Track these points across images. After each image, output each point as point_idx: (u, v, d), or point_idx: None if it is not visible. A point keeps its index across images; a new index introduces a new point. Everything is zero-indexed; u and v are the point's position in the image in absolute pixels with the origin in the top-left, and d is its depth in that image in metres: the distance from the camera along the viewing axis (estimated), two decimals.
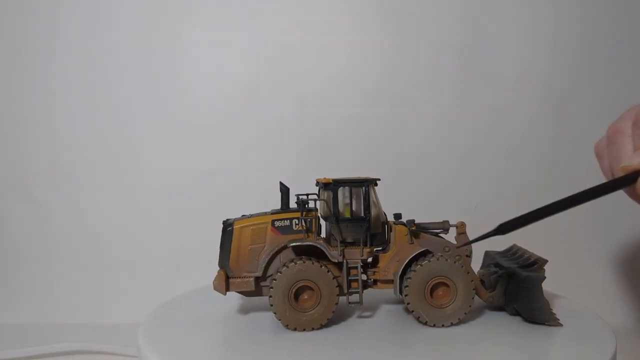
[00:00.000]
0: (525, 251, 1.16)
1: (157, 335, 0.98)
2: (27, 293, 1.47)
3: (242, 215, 1.14)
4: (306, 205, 1.08)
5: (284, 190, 1.11)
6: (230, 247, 1.03)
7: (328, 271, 1.01)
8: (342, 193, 1.07)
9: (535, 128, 1.48)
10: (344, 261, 1.03)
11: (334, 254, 1.02)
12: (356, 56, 1.41)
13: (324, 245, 1.02)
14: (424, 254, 1.04)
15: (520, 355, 0.88)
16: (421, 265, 1.01)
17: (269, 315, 1.10)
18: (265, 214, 1.08)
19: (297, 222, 1.05)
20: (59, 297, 1.46)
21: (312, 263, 1.00)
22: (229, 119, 1.47)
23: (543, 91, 1.46)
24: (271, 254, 1.04)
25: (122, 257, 1.47)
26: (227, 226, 1.05)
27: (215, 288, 1.02)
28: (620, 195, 0.70)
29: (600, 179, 0.73)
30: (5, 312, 1.45)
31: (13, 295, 1.47)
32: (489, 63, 1.44)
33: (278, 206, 1.15)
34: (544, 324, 1.01)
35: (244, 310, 1.14)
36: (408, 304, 1.01)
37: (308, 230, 1.05)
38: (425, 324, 1.02)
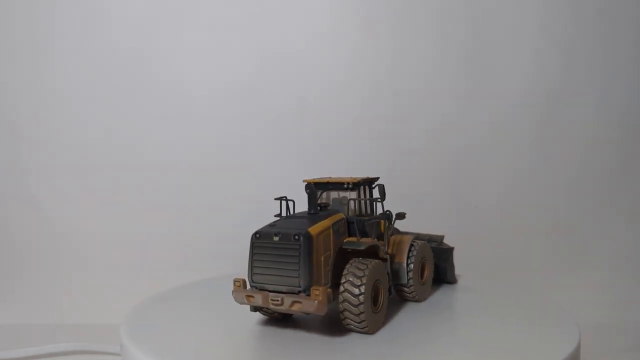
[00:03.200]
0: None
1: (140, 331, 0.96)
2: (26, 293, 1.47)
3: (270, 225, 0.96)
4: (327, 207, 1.05)
5: (312, 193, 1.01)
6: (313, 259, 0.88)
7: (385, 268, 1.02)
8: (364, 192, 1.09)
9: (537, 129, 1.49)
10: (389, 256, 1.06)
11: (383, 250, 1.04)
12: (357, 56, 1.31)
13: (378, 243, 1.03)
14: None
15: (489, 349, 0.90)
16: (417, 250, 1.18)
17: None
18: (314, 218, 0.96)
19: (341, 224, 1.00)
20: (58, 297, 1.46)
21: (379, 262, 0.99)
22: (230, 119, 1.39)
23: (546, 93, 1.47)
24: (333, 260, 0.95)
25: (122, 257, 1.46)
26: (301, 236, 0.88)
27: (317, 310, 0.85)
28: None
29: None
30: (3, 312, 1.46)
31: (11, 295, 1.47)
32: (493, 64, 1.45)
33: (273, 208, 1.06)
34: (455, 282, 1.37)
35: (231, 306, 1.02)
36: (410, 286, 1.15)
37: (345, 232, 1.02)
38: (417, 300, 1.18)
